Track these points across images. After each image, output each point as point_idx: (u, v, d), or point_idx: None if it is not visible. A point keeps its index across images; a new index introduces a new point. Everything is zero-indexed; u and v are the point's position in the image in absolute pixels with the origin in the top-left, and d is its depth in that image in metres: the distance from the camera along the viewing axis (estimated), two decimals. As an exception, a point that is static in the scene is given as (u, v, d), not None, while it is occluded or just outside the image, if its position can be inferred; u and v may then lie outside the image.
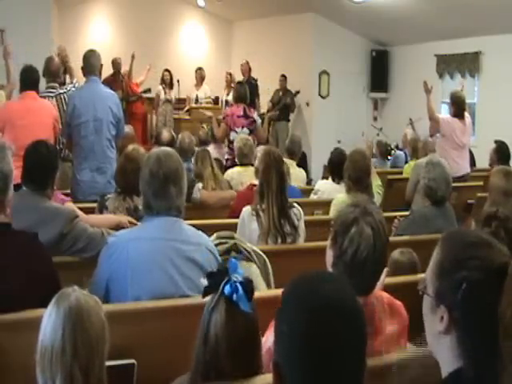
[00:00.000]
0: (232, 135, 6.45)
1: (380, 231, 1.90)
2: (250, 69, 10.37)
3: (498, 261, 1.27)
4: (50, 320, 1.70)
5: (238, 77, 10.53)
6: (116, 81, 9.62)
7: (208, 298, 1.71)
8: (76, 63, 6.73)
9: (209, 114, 7.82)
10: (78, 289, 1.77)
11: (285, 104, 10.48)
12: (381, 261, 1.93)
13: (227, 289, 1.67)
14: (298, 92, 10.59)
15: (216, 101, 10.72)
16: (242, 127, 6.47)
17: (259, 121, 6.82)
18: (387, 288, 2.20)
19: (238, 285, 1.67)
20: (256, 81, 10.26)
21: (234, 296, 1.66)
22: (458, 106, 6.16)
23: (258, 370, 1.73)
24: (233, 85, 10.34)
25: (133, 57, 9.79)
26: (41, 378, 1.69)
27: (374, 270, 1.92)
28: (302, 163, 8.33)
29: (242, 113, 6.51)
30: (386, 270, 2.23)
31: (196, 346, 1.71)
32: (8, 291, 2.16)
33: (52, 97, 5.32)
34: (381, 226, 1.92)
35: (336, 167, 4.68)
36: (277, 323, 1.24)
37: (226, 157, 6.60)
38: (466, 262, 1.27)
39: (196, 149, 5.57)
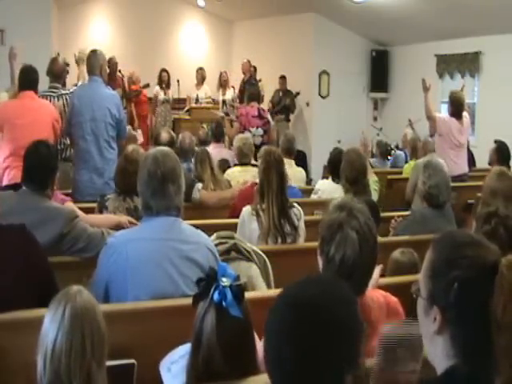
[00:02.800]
0: (246, 135, 6.45)
1: (366, 234, 1.89)
2: (250, 68, 10.40)
3: (488, 259, 1.28)
4: (62, 321, 1.68)
5: (237, 76, 10.55)
6: (113, 80, 9.61)
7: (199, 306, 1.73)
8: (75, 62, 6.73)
9: (220, 113, 7.83)
10: (77, 288, 1.77)
11: (284, 105, 10.48)
12: (370, 263, 1.92)
13: (216, 296, 1.69)
14: (298, 93, 10.59)
15: (217, 101, 10.72)
16: (257, 127, 6.48)
17: (273, 122, 6.84)
18: (388, 288, 2.20)
19: (227, 290, 1.68)
20: (256, 81, 10.28)
21: (224, 303, 1.68)
22: (456, 106, 6.15)
23: (254, 371, 1.73)
24: (233, 85, 10.37)
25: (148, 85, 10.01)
26: (48, 378, 1.67)
27: (364, 273, 1.92)
28: (302, 163, 8.33)
29: (256, 113, 6.53)
30: (380, 267, 2.22)
31: (189, 352, 1.72)
32: (4, 284, 2.16)
33: (54, 97, 5.33)
34: (366, 227, 1.90)
35: (336, 167, 4.68)
36: (266, 321, 1.25)
37: None
38: (456, 262, 1.29)
39: (196, 149, 5.57)
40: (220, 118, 7.52)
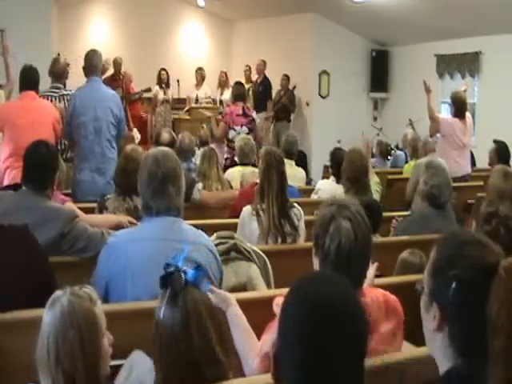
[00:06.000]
0: (231, 134, 6.49)
1: (359, 221, 1.90)
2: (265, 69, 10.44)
3: (487, 260, 1.29)
4: (44, 325, 1.72)
5: (236, 77, 10.56)
6: (115, 80, 9.62)
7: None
8: (75, 63, 6.74)
9: (208, 113, 7.84)
10: (70, 289, 1.77)
11: (283, 104, 10.45)
12: (365, 250, 1.92)
13: (169, 281, 1.78)
14: (294, 87, 10.52)
15: (216, 101, 10.73)
16: (241, 126, 6.50)
17: (258, 120, 6.84)
18: (390, 288, 2.20)
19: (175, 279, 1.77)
20: (269, 82, 10.32)
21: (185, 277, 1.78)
22: (459, 107, 6.15)
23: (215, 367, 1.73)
24: (232, 84, 10.38)
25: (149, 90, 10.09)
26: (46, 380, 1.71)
27: (360, 261, 1.92)
28: (302, 163, 8.32)
29: (241, 111, 6.55)
30: (375, 265, 2.22)
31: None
32: (4, 284, 2.17)
33: (55, 97, 5.33)
34: (359, 215, 1.91)
35: (339, 167, 4.67)
36: (279, 320, 1.27)
37: (225, 156, 6.61)
38: (456, 261, 1.30)
39: (196, 149, 5.57)
40: (207, 117, 7.52)
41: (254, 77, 10.71)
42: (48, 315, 1.72)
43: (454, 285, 1.28)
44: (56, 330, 1.69)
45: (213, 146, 6.59)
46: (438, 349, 1.33)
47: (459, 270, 1.29)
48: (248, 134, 6.33)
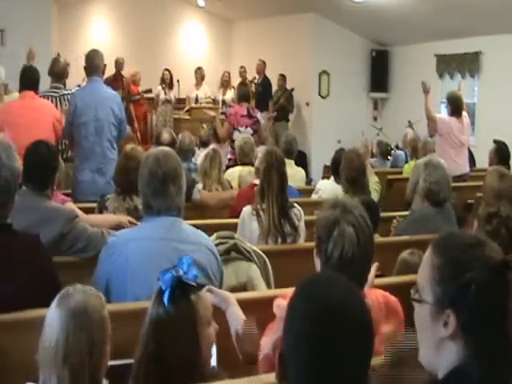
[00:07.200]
0: (235, 134, 6.47)
1: (362, 226, 1.91)
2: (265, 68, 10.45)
3: (496, 258, 1.26)
4: (53, 321, 1.70)
5: (236, 77, 10.59)
6: (117, 80, 9.63)
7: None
8: (76, 63, 6.75)
9: (212, 113, 7.83)
10: (80, 287, 1.77)
11: (281, 105, 10.45)
12: (367, 254, 1.93)
13: (161, 277, 1.80)
14: (292, 89, 10.53)
15: (216, 101, 10.73)
16: (246, 127, 6.50)
17: (262, 121, 6.85)
18: (390, 288, 2.20)
19: (171, 277, 1.78)
20: (269, 81, 10.33)
21: (163, 286, 1.79)
22: (454, 106, 6.17)
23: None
24: (233, 85, 10.38)
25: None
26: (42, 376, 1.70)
27: (362, 264, 1.92)
28: (302, 163, 8.32)
29: (245, 112, 6.55)
30: (375, 265, 2.23)
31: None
32: (9, 291, 2.16)
33: (55, 97, 5.32)
34: (362, 219, 1.92)
35: (338, 167, 4.67)
36: (285, 320, 1.26)
37: (228, 156, 6.60)
38: (470, 264, 1.26)
39: (196, 149, 5.56)
40: (211, 117, 7.52)
41: (250, 77, 10.73)
42: (57, 311, 1.70)
43: (473, 288, 1.23)
44: (67, 327, 1.68)
45: (214, 146, 6.60)
46: (449, 356, 1.27)
47: (475, 273, 1.24)
48: (252, 135, 6.34)
